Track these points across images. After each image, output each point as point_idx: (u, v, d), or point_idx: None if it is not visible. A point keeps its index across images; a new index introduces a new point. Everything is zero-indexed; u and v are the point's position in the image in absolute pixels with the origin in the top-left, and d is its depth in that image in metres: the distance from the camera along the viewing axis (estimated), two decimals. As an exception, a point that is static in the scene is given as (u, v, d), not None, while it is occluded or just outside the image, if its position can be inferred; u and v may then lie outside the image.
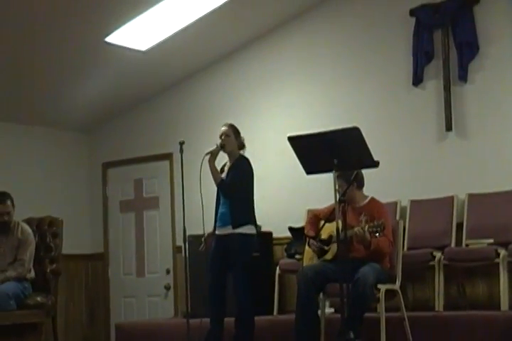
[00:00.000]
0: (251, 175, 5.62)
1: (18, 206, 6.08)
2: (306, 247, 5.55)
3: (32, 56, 6.76)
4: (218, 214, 5.56)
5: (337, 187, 5.13)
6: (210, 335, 5.52)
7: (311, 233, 5.47)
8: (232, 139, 5.61)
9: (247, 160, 5.65)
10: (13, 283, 5.74)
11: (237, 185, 5.50)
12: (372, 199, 5.48)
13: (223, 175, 5.62)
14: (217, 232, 5.57)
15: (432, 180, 6.47)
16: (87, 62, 7.11)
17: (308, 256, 5.51)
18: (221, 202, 5.57)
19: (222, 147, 5.56)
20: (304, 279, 5.22)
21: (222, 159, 5.78)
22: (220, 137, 5.61)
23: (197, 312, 6.00)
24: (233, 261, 5.46)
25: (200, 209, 5.64)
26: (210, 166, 5.49)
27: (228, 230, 5.48)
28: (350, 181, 5.18)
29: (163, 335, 6.47)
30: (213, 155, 5.50)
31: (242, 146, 5.70)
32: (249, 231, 5.51)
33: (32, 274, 5.92)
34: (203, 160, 5.44)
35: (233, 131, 5.64)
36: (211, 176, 5.55)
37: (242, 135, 5.71)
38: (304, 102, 7.23)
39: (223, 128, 5.65)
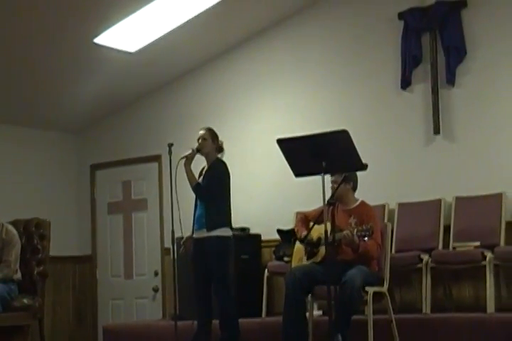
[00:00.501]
0: (227, 177, 5.66)
1: (4, 208, 6.07)
2: (295, 248, 5.56)
3: (20, 58, 6.75)
4: (195, 217, 5.59)
5: (331, 184, 5.17)
6: (196, 338, 5.53)
7: (302, 231, 5.45)
8: (209, 143, 5.66)
9: (223, 163, 5.70)
10: (-1, 285, 5.72)
11: (212, 188, 5.55)
12: (363, 203, 5.49)
13: (200, 179, 5.66)
14: (194, 235, 5.60)
15: (420, 183, 6.49)
16: (76, 63, 7.09)
17: (297, 257, 5.52)
18: (198, 204, 5.60)
19: (198, 150, 5.62)
20: (292, 280, 5.23)
21: (202, 163, 5.80)
22: (198, 140, 5.67)
23: (185, 314, 6.00)
24: (211, 264, 5.49)
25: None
26: (185, 170, 5.55)
27: (204, 233, 5.52)
28: (344, 177, 5.19)
29: (151, 337, 6.47)
30: (189, 159, 5.56)
31: (220, 150, 5.77)
32: (224, 233, 5.53)
33: (19, 275, 5.89)
34: (177, 164, 5.47)
35: (210, 135, 5.69)
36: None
37: (220, 139, 5.77)
38: (292, 105, 7.25)
39: (201, 132, 5.71)
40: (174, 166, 5.48)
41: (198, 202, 5.61)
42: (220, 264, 5.47)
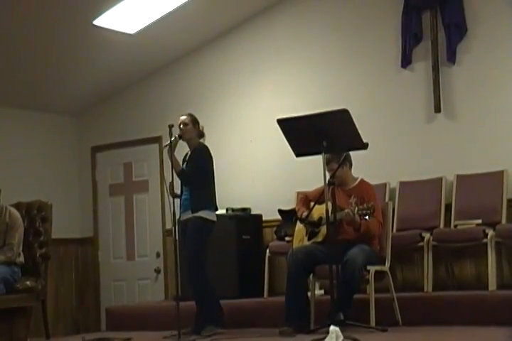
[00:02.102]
0: (210, 162, 5.68)
1: (6, 191, 6.05)
2: (296, 228, 5.56)
3: (20, 40, 6.71)
4: (181, 201, 5.61)
5: (329, 171, 5.16)
6: (198, 317, 5.58)
7: (302, 210, 5.45)
8: (190, 128, 5.67)
9: (205, 147, 5.71)
10: (2, 268, 5.71)
11: (195, 174, 5.56)
12: (362, 181, 5.49)
13: (184, 165, 5.68)
14: (181, 218, 5.60)
15: (421, 162, 6.48)
16: (76, 45, 7.06)
17: (298, 237, 5.53)
18: (184, 188, 5.63)
19: (180, 137, 5.63)
20: (294, 261, 5.25)
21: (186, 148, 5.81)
22: (179, 126, 5.67)
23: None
24: (188, 241, 5.52)
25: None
26: (169, 157, 5.55)
27: (189, 215, 5.55)
28: (341, 162, 5.19)
29: (154, 318, 6.49)
30: (171, 146, 5.55)
31: (201, 135, 5.79)
32: (207, 216, 5.55)
33: (21, 259, 5.89)
34: (164, 151, 5.46)
35: (191, 120, 5.70)
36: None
37: (201, 124, 5.79)
38: (292, 84, 7.22)
39: (182, 118, 5.72)
40: (165, 152, 5.50)
41: (184, 187, 5.63)
42: (196, 242, 5.49)
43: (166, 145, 5.57)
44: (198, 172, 5.57)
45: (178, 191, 5.67)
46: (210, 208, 5.60)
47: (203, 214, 5.54)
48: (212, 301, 5.56)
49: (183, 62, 7.82)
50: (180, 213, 5.60)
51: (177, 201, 5.62)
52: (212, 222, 5.61)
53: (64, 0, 6.24)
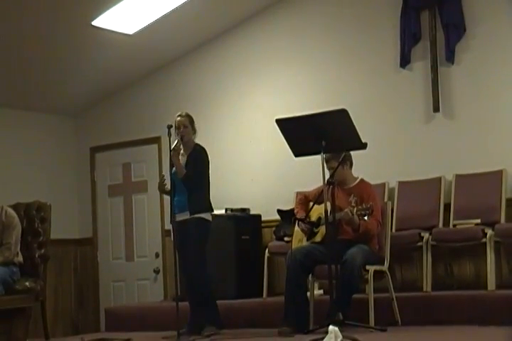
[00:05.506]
0: (208, 164, 5.69)
1: (5, 191, 6.06)
2: (295, 229, 5.56)
3: (19, 40, 6.71)
4: (175, 202, 5.57)
5: (329, 169, 5.16)
6: (192, 319, 5.58)
7: (301, 213, 5.46)
8: (189, 129, 5.66)
9: (203, 149, 5.70)
10: (0, 269, 5.71)
11: (198, 178, 5.58)
12: (362, 181, 5.49)
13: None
14: (177, 219, 5.55)
15: (420, 161, 6.49)
16: (74, 45, 7.06)
17: (297, 237, 5.53)
18: (177, 189, 5.58)
19: (182, 139, 5.61)
20: (293, 261, 5.25)
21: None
22: (179, 128, 5.61)
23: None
24: (190, 244, 5.51)
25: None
26: (174, 162, 5.52)
27: (186, 216, 5.54)
28: (341, 161, 5.19)
29: (153, 319, 6.49)
30: (176, 150, 5.54)
31: (194, 132, 5.74)
32: (207, 217, 5.59)
33: (20, 258, 5.89)
34: (170, 156, 5.45)
35: (189, 121, 5.67)
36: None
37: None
38: (291, 84, 7.22)
39: (180, 119, 5.64)
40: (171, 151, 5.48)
41: (177, 188, 5.57)
42: (198, 244, 5.51)
43: (172, 150, 5.50)
44: (200, 175, 5.58)
45: (168, 186, 5.66)
46: (208, 209, 5.62)
47: (204, 215, 5.55)
48: (214, 302, 5.55)
49: (181, 62, 7.81)
50: (172, 215, 5.55)
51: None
52: (210, 222, 5.63)
53: (63, 1, 6.24)
